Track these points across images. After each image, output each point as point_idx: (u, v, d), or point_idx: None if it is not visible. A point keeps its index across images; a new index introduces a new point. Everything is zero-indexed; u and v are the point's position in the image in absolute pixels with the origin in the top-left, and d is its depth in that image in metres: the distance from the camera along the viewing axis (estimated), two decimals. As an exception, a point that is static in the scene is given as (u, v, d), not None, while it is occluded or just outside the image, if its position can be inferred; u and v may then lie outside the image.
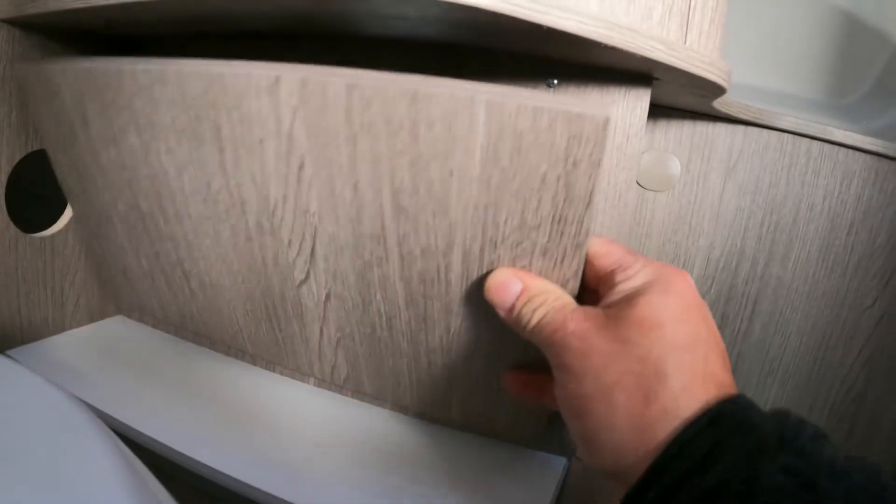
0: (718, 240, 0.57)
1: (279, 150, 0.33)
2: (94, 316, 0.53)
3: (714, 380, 0.25)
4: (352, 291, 0.37)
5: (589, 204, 0.28)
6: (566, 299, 0.29)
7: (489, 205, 0.29)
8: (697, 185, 0.55)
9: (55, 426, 0.28)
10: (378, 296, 0.36)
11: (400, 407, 0.44)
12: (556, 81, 0.37)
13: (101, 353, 0.48)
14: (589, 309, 0.28)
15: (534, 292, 0.30)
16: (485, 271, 0.31)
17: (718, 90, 0.35)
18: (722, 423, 0.23)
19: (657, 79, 0.34)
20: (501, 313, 0.30)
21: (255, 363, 0.48)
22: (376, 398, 0.43)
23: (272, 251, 0.38)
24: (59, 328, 0.50)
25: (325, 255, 0.36)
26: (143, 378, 0.45)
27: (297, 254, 0.37)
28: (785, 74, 0.73)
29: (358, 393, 0.45)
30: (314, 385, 0.46)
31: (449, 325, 0.35)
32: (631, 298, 0.27)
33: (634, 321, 0.26)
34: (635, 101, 0.34)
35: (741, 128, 0.53)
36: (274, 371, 0.48)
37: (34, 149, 0.45)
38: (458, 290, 0.33)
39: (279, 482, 0.35)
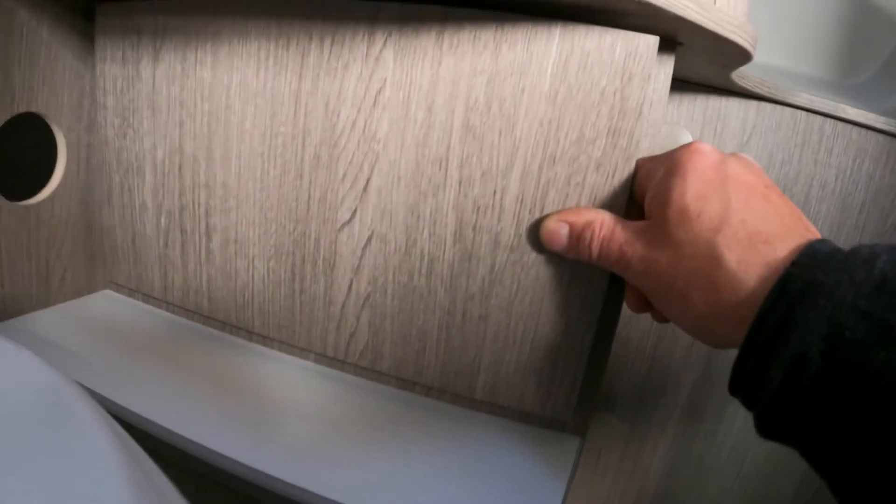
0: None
1: (362, 73, 0.39)
2: (81, 290, 0.52)
3: (760, 238, 0.27)
4: (397, 231, 0.41)
5: (639, 115, 0.34)
6: (609, 222, 0.33)
7: (553, 119, 0.35)
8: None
9: (47, 405, 0.26)
10: (425, 232, 0.41)
11: (418, 385, 0.42)
12: None
13: (88, 328, 0.48)
14: (637, 224, 0.32)
15: (579, 229, 0.34)
16: (539, 193, 0.37)
17: (744, 56, 0.35)
18: (790, 286, 0.24)
19: (681, 43, 0.33)
20: (568, 255, 0.36)
21: (259, 342, 0.46)
22: (394, 375, 0.41)
23: (321, 188, 0.43)
24: (45, 303, 0.49)
25: (380, 187, 0.41)
26: (134, 355, 0.46)
27: (350, 188, 0.42)
28: (794, 53, 0.74)
29: (374, 372, 0.42)
30: (325, 365, 0.44)
31: (494, 263, 0.39)
32: (660, 198, 0.30)
33: (673, 220, 0.29)
34: (659, 67, 0.34)
35: (754, 103, 0.54)
36: (281, 350, 0.45)
37: (20, 111, 0.42)
38: (510, 217, 0.38)
39: (282, 464, 0.35)
